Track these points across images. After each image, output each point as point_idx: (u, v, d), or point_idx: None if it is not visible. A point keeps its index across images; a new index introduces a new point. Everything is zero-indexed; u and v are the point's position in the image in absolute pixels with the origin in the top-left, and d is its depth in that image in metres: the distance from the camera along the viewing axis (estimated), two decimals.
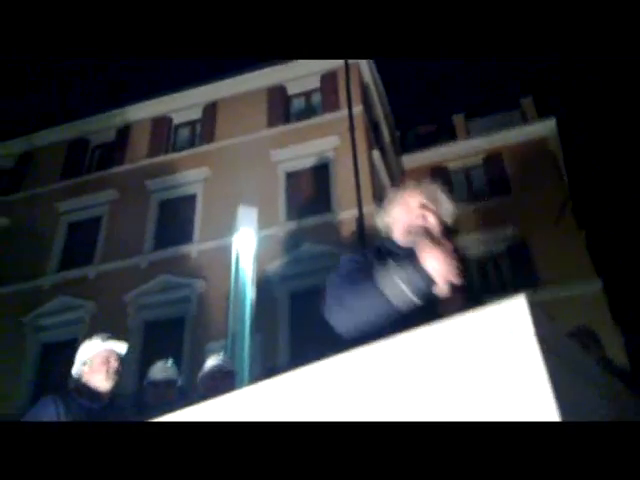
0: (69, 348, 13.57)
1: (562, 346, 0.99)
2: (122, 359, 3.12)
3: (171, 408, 3.66)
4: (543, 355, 0.86)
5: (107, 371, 2.98)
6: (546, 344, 0.88)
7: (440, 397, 0.94)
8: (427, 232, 1.72)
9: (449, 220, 1.83)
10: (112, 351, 3.07)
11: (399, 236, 1.81)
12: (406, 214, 1.82)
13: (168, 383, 3.78)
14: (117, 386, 3.03)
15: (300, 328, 10.41)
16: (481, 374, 0.91)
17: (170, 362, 4.00)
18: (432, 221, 1.79)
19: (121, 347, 3.14)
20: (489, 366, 0.91)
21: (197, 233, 13.77)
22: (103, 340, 3.12)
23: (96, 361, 3.02)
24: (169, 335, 12.22)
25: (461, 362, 0.94)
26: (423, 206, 1.81)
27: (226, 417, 1.18)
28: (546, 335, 0.90)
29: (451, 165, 17.47)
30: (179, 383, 3.93)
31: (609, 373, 1.22)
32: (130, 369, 11.40)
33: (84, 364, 3.04)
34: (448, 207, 1.84)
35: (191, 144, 15.77)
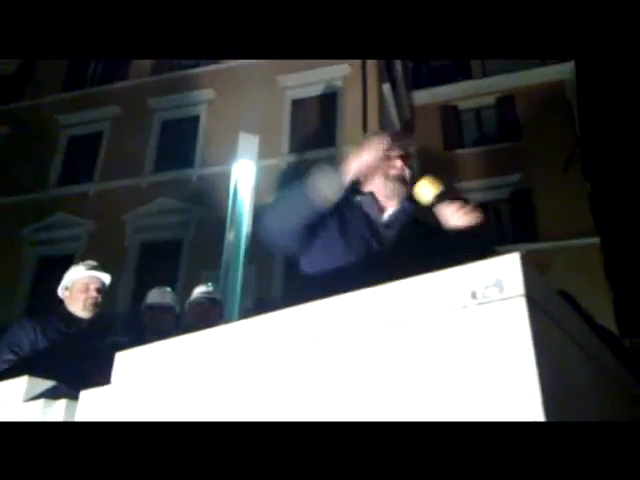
0: (65, 263, 13.71)
1: (551, 305, 0.98)
2: (104, 289, 3.10)
3: (166, 334, 3.70)
4: (530, 313, 0.85)
5: (85, 300, 2.98)
6: (534, 301, 0.87)
7: (422, 350, 0.94)
8: (409, 182, 1.82)
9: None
10: (94, 280, 3.06)
11: (373, 182, 1.86)
12: (389, 161, 1.85)
13: (165, 308, 3.78)
14: (95, 314, 3.04)
15: (295, 262, 10.43)
16: (465, 327, 0.91)
17: (168, 289, 4.01)
18: (410, 172, 1.86)
19: (104, 277, 3.12)
20: (474, 320, 0.91)
21: (199, 157, 13.58)
22: (87, 268, 3.11)
23: (76, 287, 3.03)
24: (165, 259, 12.30)
25: (447, 315, 0.94)
26: (407, 155, 1.87)
27: (212, 351, 1.21)
28: (535, 293, 0.89)
29: (462, 104, 17.00)
30: (177, 310, 3.95)
31: (595, 333, 1.21)
32: (124, 289, 11.57)
33: (65, 289, 3.06)
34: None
35: (197, 63, 15.27)
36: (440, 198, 1.61)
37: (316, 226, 1.75)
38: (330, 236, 1.76)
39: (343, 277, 1.59)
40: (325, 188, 1.66)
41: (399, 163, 1.85)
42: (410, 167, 1.86)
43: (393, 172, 1.83)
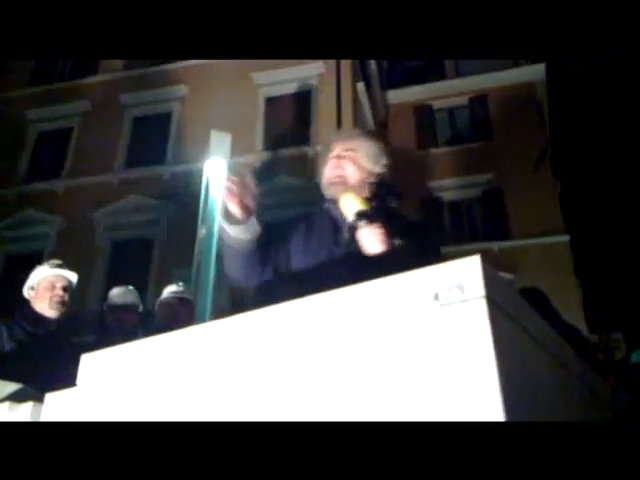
0: (32, 262, 13.49)
1: (512, 306, 0.99)
2: (71, 288, 3.07)
3: (130, 334, 3.65)
4: (490, 314, 0.86)
5: (51, 298, 2.95)
6: (495, 303, 0.89)
7: (385, 351, 0.95)
8: (342, 182, 1.76)
9: (374, 163, 1.83)
10: (59, 278, 3.02)
11: (324, 190, 1.84)
12: (326, 167, 1.84)
13: (126, 308, 3.75)
14: (63, 314, 3.00)
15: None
16: (428, 329, 0.92)
17: (130, 287, 3.97)
18: (349, 169, 1.79)
19: (70, 275, 3.08)
20: (437, 322, 0.92)
21: (170, 154, 13.44)
22: (51, 267, 3.08)
23: (42, 286, 2.99)
24: (136, 257, 12.14)
25: (410, 316, 0.94)
26: (338, 156, 1.81)
27: (181, 353, 1.19)
28: (496, 294, 0.90)
29: (436, 104, 17.16)
30: (141, 308, 3.91)
31: (558, 333, 1.21)
32: (95, 288, 11.40)
33: (31, 288, 3.02)
34: (371, 150, 1.84)
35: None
36: (361, 217, 1.58)
37: (273, 248, 1.73)
38: (296, 242, 1.74)
39: (308, 278, 1.57)
40: (234, 237, 1.63)
41: (330, 164, 1.82)
42: (347, 163, 1.79)
43: (325, 176, 1.81)
